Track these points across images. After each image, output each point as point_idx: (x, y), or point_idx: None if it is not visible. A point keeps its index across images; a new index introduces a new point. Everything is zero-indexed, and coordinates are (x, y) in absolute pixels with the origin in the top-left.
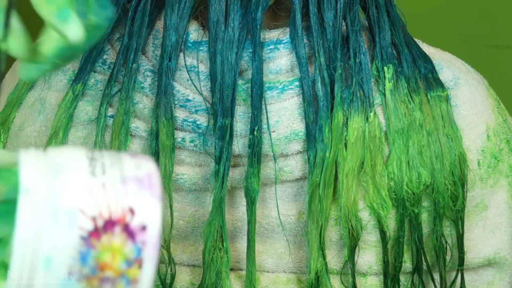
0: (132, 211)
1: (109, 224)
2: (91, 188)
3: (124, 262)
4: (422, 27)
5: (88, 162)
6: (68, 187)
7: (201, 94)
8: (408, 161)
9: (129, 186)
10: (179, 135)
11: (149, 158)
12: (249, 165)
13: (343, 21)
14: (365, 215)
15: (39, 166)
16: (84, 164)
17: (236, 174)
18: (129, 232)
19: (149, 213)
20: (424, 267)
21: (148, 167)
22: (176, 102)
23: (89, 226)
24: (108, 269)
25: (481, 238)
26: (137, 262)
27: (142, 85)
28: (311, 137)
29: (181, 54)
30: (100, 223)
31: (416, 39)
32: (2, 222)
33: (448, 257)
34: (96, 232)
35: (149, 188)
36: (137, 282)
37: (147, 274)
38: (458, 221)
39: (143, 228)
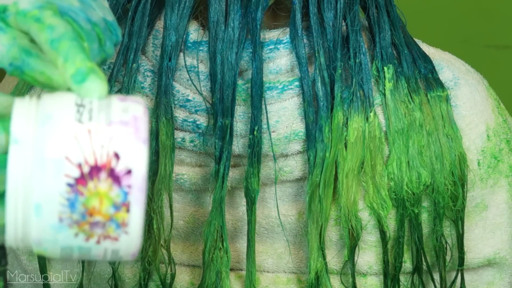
0: (117, 156)
1: (95, 170)
2: (77, 135)
3: (111, 207)
4: (422, 27)
5: (76, 108)
6: (54, 135)
7: (201, 94)
8: (408, 161)
9: (114, 131)
10: (179, 135)
11: (140, 100)
12: (249, 165)
13: (343, 21)
14: (365, 215)
15: (29, 115)
16: (72, 111)
17: (236, 174)
18: (114, 177)
19: (134, 157)
20: (424, 267)
21: (135, 110)
22: (176, 102)
23: (75, 173)
24: (97, 214)
25: (481, 238)
26: (125, 205)
27: (142, 85)
28: (311, 137)
29: (181, 54)
30: (86, 169)
31: (416, 39)
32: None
33: (448, 257)
34: (82, 179)
35: (134, 132)
36: (127, 225)
37: (135, 217)
38: (458, 221)
39: (128, 172)
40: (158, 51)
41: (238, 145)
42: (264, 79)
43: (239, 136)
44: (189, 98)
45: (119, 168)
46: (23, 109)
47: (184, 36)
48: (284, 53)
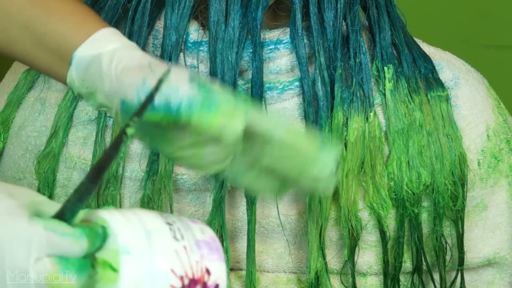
0: (208, 272)
1: (193, 283)
2: (177, 251)
3: None
4: (422, 27)
5: (168, 227)
6: (160, 249)
7: None
8: (408, 161)
9: (203, 250)
10: None
11: (205, 224)
12: None
13: (343, 21)
14: (365, 215)
15: (131, 228)
16: (166, 228)
17: None
18: None
19: (220, 273)
20: (424, 267)
21: (209, 232)
22: None
23: (178, 284)
24: None
25: (481, 238)
26: None
27: None
28: None
29: (181, 54)
30: (186, 282)
31: (416, 39)
32: (83, 275)
33: (448, 257)
34: None
35: (216, 252)
36: None
37: None
38: (458, 221)
39: (217, 286)
40: (158, 51)
41: None
42: (264, 79)
43: None
44: None
45: (210, 282)
46: (120, 222)
47: (184, 36)
48: (284, 53)
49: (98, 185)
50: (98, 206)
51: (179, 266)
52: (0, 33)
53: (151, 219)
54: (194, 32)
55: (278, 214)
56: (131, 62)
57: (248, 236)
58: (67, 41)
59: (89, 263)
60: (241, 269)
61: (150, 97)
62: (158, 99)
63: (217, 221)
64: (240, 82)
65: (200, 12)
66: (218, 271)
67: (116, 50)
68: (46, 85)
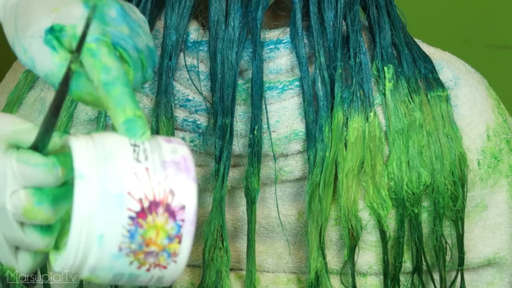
0: (172, 193)
1: (154, 205)
2: (137, 173)
3: (166, 238)
4: (422, 27)
5: (132, 148)
6: (117, 172)
7: (201, 93)
8: (408, 161)
9: (168, 170)
10: (179, 135)
11: (181, 141)
12: (249, 165)
13: (343, 21)
14: (365, 215)
15: (89, 152)
16: (129, 150)
17: (236, 174)
18: (170, 211)
19: (186, 194)
20: (424, 267)
21: (182, 151)
22: (176, 102)
23: (137, 207)
24: (153, 244)
25: (481, 238)
26: (177, 237)
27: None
28: (311, 137)
29: (181, 54)
30: (146, 204)
31: (416, 39)
32: (66, 202)
33: (448, 257)
34: (142, 213)
35: (185, 171)
36: (177, 255)
37: (185, 248)
38: (458, 221)
39: (182, 207)
40: (158, 51)
41: (239, 145)
42: (264, 79)
43: (239, 136)
44: (189, 98)
45: (175, 203)
46: (82, 147)
47: (184, 36)
48: (284, 53)
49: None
50: None
51: (138, 188)
52: None
53: (115, 141)
54: (194, 32)
55: (278, 214)
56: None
57: (248, 236)
58: None
59: (70, 188)
60: (241, 269)
61: (84, 35)
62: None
63: (217, 220)
64: (240, 81)
65: (200, 12)
66: (184, 192)
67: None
68: (46, 85)
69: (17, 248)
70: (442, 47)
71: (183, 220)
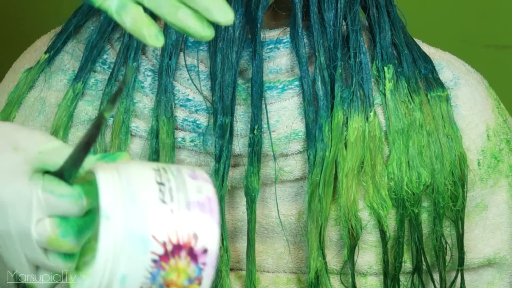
0: (196, 236)
1: (177, 249)
2: (162, 216)
3: (186, 280)
4: (422, 27)
5: (158, 188)
6: (143, 214)
7: (201, 93)
8: (408, 161)
9: (193, 212)
10: (179, 134)
11: (207, 177)
12: (249, 164)
13: (343, 20)
14: (365, 215)
15: (116, 191)
16: (155, 190)
17: (236, 174)
18: (192, 255)
19: (209, 237)
20: (424, 267)
21: (207, 190)
22: (176, 102)
23: (160, 251)
24: (173, 285)
25: (481, 238)
26: (197, 280)
27: (142, 84)
28: (311, 136)
29: (181, 54)
30: (169, 248)
31: (416, 39)
32: (89, 231)
33: (448, 257)
34: (166, 256)
35: (210, 213)
36: None
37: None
38: (458, 221)
39: (205, 251)
40: (158, 50)
41: (239, 145)
42: (264, 78)
43: (239, 136)
44: (189, 97)
45: (197, 247)
46: (108, 183)
47: (184, 36)
48: (284, 52)
49: None
50: None
51: (162, 232)
52: None
53: (141, 178)
54: None
55: (278, 214)
56: None
57: (248, 236)
58: None
59: (93, 217)
60: (241, 269)
61: (120, 90)
62: None
63: None
64: (240, 81)
65: None
66: (208, 235)
67: None
68: (46, 85)
69: (37, 267)
70: (442, 47)
71: (204, 264)
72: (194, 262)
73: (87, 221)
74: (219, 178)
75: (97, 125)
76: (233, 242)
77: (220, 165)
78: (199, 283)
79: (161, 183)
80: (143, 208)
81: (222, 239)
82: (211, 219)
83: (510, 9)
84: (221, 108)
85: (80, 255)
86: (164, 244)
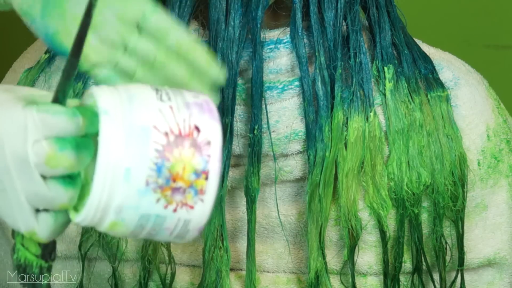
0: (197, 129)
1: (180, 139)
2: (161, 109)
3: (193, 173)
4: (422, 27)
5: (155, 91)
6: (142, 108)
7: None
8: (408, 161)
9: (192, 109)
10: None
11: (203, 93)
12: (249, 164)
13: (343, 20)
14: (365, 215)
15: (113, 94)
16: (152, 92)
17: (236, 174)
18: (196, 146)
19: (212, 131)
20: (424, 267)
21: (204, 96)
22: None
23: (163, 140)
24: (180, 179)
25: (481, 238)
26: (204, 173)
27: None
28: (311, 136)
29: None
30: (172, 138)
31: (416, 39)
32: (88, 153)
33: (448, 257)
34: (169, 146)
35: (209, 112)
36: (204, 193)
37: (212, 186)
38: (458, 221)
39: (208, 143)
40: None
41: (239, 145)
42: (264, 78)
43: (239, 136)
44: None
45: (200, 139)
46: (105, 91)
47: None
48: (284, 52)
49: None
50: None
51: (163, 123)
52: None
53: (137, 86)
54: (194, 32)
55: (278, 214)
56: None
57: (248, 236)
58: None
59: (90, 142)
60: (241, 269)
61: None
62: None
63: (217, 220)
64: (240, 81)
65: (200, 12)
66: (209, 129)
67: None
68: (46, 85)
69: (37, 211)
70: (442, 47)
71: (209, 156)
72: (198, 153)
73: (85, 142)
74: (219, 178)
75: (88, 12)
76: (233, 242)
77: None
78: (206, 177)
79: (157, 89)
80: (142, 104)
81: (222, 239)
82: (210, 116)
83: (510, 9)
84: (221, 108)
85: (79, 198)
86: (166, 134)
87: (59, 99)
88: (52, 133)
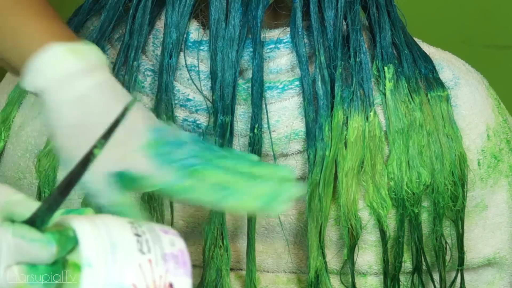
0: (171, 286)
1: None
2: (141, 265)
3: None
4: (422, 27)
5: (136, 239)
6: (123, 264)
7: (201, 93)
8: (408, 161)
9: (169, 263)
10: None
11: (177, 233)
12: None
13: (343, 20)
14: (365, 215)
15: (97, 240)
16: (133, 241)
17: None
18: None
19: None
20: (424, 267)
21: (180, 244)
22: (176, 102)
23: None
24: None
25: (481, 238)
26: None
27: (142, 84)
28: (311, 136)
29: (181, 54)
30: None
31: (416, 39)
32: (56, 279)
33: (448, 257)
34: None
35: (183, 265)
36: None
37: None
38: (458, 221)
39: None
40: (158, 50)
41: (239, 145)
42: (264, 78)
43: (239, 136)
44: (190, 97)
45: None
46: (88, 233)
47: (185, 35)
48: (284, 52)
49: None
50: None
51: (142, 281)
52: None
53: (119, 229)
54: (194, 31)
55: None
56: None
57: (248, 235)
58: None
59: (59, 268)
60: (241, 269)
61: (116, 122)
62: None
63: (217, 219)
64: (240, 81)
65: (200, 11)
66: (183, 286)
67: (51, 88)
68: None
69: None
70: (442, 47)
71: None
72: None
73: (54, 270)
74: None
75: (84, 163)
76: (233, 242)
77: None
78: None
79: (137, 235)
80: (124, 258)
81: (222, 238)
82: (184, 271)
83: (510, 9)
84: (221, 107)
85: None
86: None
87: (36, 223)
88: (24, 259)
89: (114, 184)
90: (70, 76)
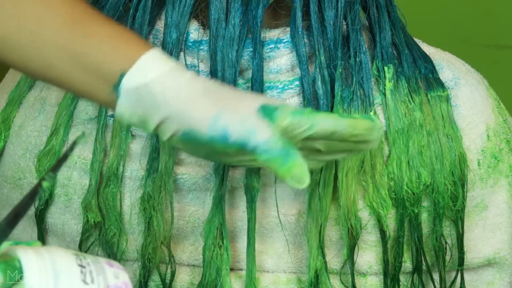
0: None
1: None
2: None
3: None
4: (422, 27)
5: (80, 269)
6: None
7: None
8: (408, 161)
9: None
10: None
11: (122, 267)
12: None
13: (343, 20)
14: (365, 215)
15: (40, 269)
16: (77, 271)
17: (236, 174)
18: None
19: None
20: (424, 267)
21: (124, 277)
22: None
23: None
24: None
25: (481, 238)
26: None
27: None
28: None
29: (181, 54)
30: None
31: (416, 39)
32: None
33: (448, 257)
34: None
35: None
36: None
37: None
38: (458, 221)
39: None
40: None
41: None
42: (264, 78)
43: None
44: None
45: None
46: (32, 262)
47: (185, 35)
48: (284, 52)
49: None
50: (98, 204)
51: None
52: (37, 55)
53: (64, 260)
54: (194, 31)
55: (278, 214)
56: (190, 91)
57: (248, 235)
58: (108, 63)
59: None
60: (241, 269)
61: (65, 156)
62: (234, 138)
63: (217, 219)
64: (240, 81)
65: (200, 11)
66: None
67: (165, 76)
68: (46, 85)
69: None
70: (442, 47)
71: None
72: None
73: None
74: (219, 177)
75: (31, 195)
76: (233, 242)
77: (220, 164)
78: None
79: (82, 266)
80: (66, 287)
81: (222, 238)
82: None
83: (510, 9)
84: None
85: None
86: None
87: None
88: None
89: (264, 118)
90: (175, 68)
